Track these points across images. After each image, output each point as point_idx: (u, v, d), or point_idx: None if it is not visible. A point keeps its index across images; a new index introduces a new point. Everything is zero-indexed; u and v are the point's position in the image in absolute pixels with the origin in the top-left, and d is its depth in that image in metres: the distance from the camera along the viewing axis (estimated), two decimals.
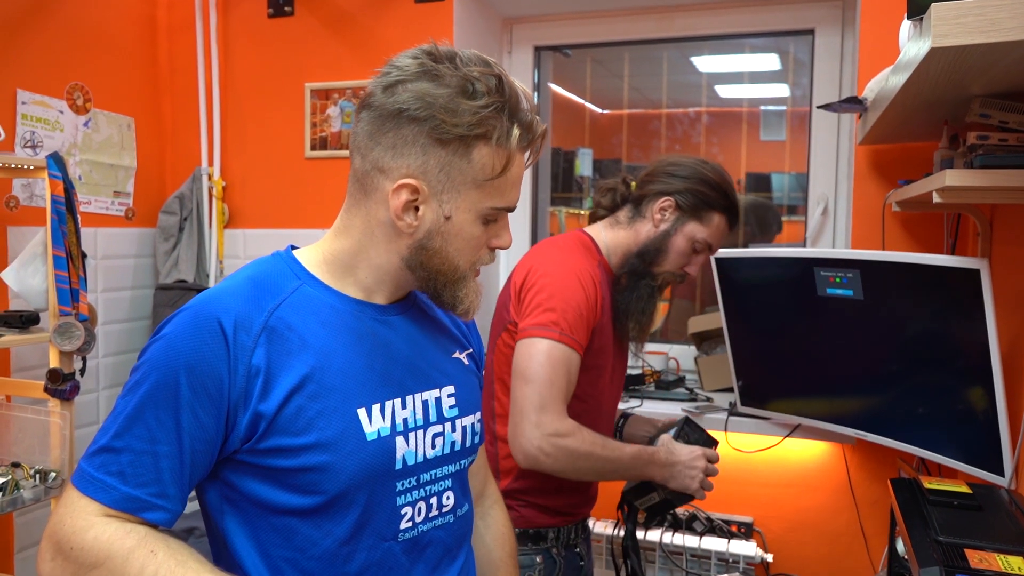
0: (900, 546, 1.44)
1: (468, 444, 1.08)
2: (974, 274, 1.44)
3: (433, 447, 1.02)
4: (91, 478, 0.87)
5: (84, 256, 2.08)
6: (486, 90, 0.92)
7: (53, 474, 2.01)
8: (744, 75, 2.68)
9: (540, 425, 1.38)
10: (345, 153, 2.53)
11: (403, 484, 0.98)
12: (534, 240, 2.78)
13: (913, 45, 1.11)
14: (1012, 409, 1.49)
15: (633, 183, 1.64)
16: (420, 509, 1.00)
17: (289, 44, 2.59)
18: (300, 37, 2.58)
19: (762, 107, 2.66)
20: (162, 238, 2.62)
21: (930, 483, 1.37)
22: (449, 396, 1.06)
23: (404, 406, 0.99)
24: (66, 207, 1.99)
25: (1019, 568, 1.05)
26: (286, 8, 2.58)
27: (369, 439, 0.94)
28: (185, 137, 2.72)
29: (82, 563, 0.84)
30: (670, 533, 2.17)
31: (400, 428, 0.98)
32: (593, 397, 1.56)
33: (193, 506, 2.20)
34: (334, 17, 2.53)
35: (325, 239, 1.02)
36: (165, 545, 0.86)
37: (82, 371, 2.08)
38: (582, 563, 1.66)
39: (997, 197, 1.29)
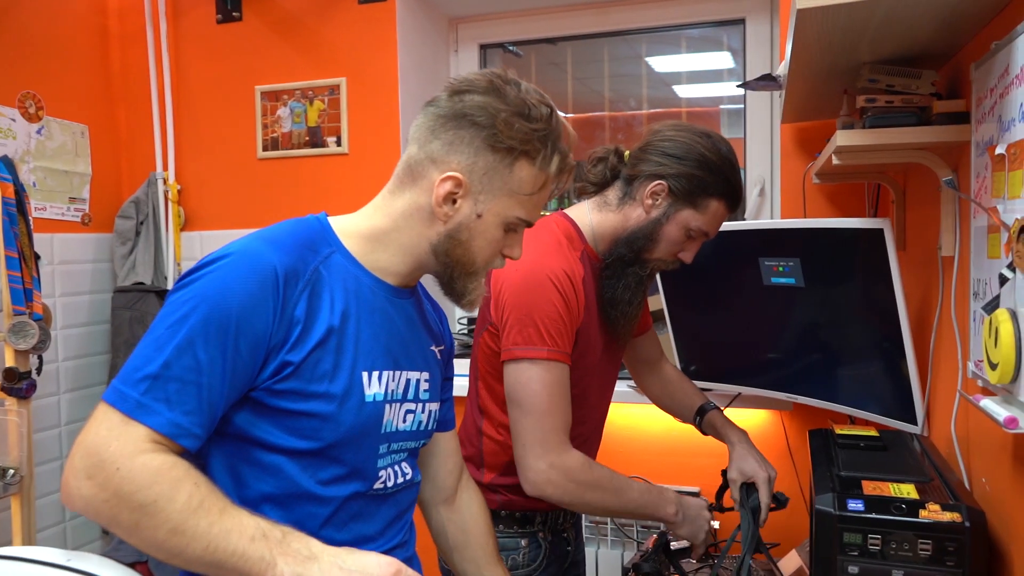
0: None
1: (429, 427, 1.20)
2: (879, 234, 1.53)
3: (404, 421, 1.13)
4: (137, 403, 0.89)
5: (37, 257, 2.12)
6: (539, 117, 1.04)
7: (11, 471, 2.04)
8: (685, 75, 2.76)
9: (545, 460, 1.35)
10: (298, 152, 2.60)
11: (382, 448, 1.10)
12: None
13: (791, 13, 1.20)
14: (920, 362, 1.57)
15: (626, 153, 1.50)
16: (390, 474, 1.12)
17: (238, 49, 2.65)
18: (249, 41, 2.64)
19: (721, 106, 2.74)
20: (119, 242, 2.66)
21: (841, 430, 1.45)
22: (425, 381, 1.17)
23: (393, 379, 1.10)
24: (17, 209, 2.04)
25: (908, 493, 1.13)
26: (234, 14, 2.64)
27: (367, 400, 1.05)
28: (139, 143, 2.77)
29: (123, 486, 0.85)
30: None
31: (388, 397, 1.09)
32: (579, 397, 1.48)
33: None
34: (281, 21, 2.60)
35: (362, 214, 1.12)
36: (206, 481, 0.91)
37: (38, 370, 2.12)
38: (569, 548, 1.62)
39: (889, 156, 1.38)
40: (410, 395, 1.13)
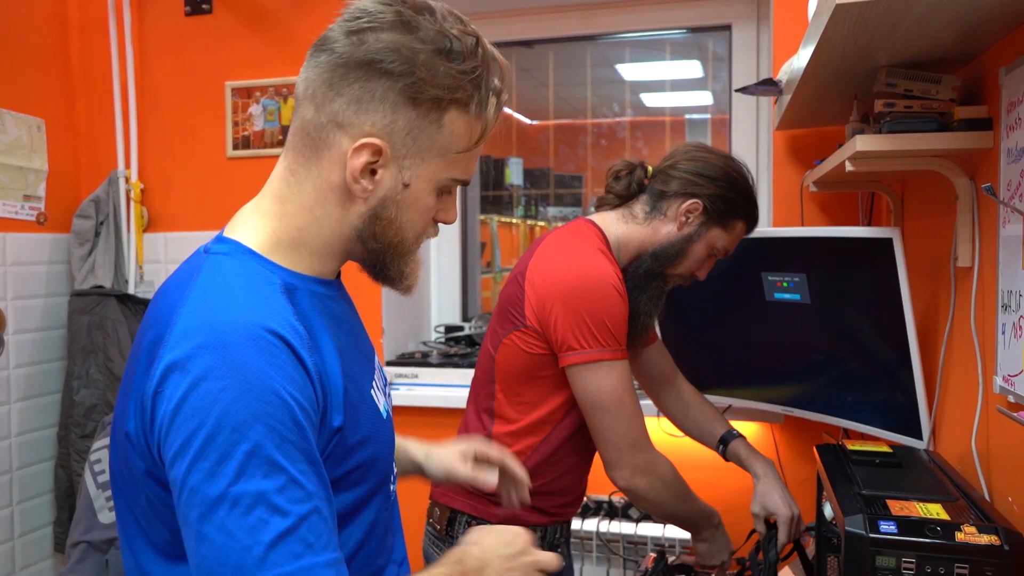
0: (828, 510, 1.46)
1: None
2: (887, 243, 1.49)
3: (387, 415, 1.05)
4: (303, 569, 0.72)
5: None
6: (465, 52, 0.83)
7: None
8: (667, 83, 2.74)
9: (641, 456, 1.41)
10: (270, 152, 2.48)
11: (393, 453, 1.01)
12: (464, 249, 2.77)
13: (821, 10, 1.14)
14: (927, 374, 1.54)
15: (650, 168, 1.52)
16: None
17: (208, 42, 2.54)
18: (219, 35, 2.52)
19: (687, 115, 2.72)
20: (77, 243, 2.52)
21: (853, 445, 1.40)
22: (379, 367, 1.05)
23: (378, 379, 1.00)
24: None
25: (937, 513, 1.08)
26: (204, 5, 2.53)
27: (383, 417, 0.95)
28: (100, 139, 2.63)
29: None
30: (607, 521, 2.17)
31: (385, 400, 0.99)
32: None
33: (112, 516, 2.10)
34: (254, 14, 2.49)
35: (271, 215, 0.89)
36: None
37: None
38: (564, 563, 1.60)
39: (906, 163, 1.34)
40: (381, 385, 1.01)
